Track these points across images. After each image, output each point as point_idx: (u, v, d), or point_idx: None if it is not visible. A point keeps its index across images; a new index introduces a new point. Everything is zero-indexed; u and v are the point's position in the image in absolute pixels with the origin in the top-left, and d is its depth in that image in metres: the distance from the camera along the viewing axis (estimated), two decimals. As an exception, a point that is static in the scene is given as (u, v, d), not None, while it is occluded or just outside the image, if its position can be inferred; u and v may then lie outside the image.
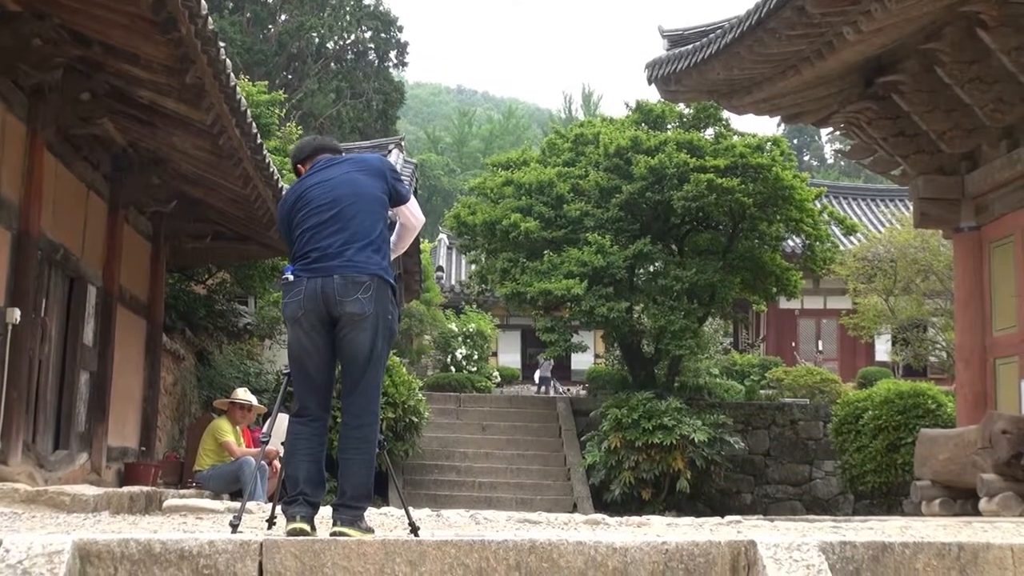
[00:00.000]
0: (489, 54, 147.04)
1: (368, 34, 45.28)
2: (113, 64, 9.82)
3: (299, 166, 5.56)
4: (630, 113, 23.05)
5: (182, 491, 11.06)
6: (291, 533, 4.66)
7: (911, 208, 15.77)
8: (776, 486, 20.95)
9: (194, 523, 6.39)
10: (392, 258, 5.37)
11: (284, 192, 5.72)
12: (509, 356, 34.96)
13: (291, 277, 5.13)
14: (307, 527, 4.76)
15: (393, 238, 5.46)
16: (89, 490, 8.23)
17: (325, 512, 5.19)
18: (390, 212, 5.40)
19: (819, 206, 21.98)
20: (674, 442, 17.81)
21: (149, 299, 14.32)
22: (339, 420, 5.09)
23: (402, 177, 5.59)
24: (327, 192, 5.22)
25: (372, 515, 7.79)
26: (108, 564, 3.90)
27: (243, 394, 12.58)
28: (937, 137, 13.05)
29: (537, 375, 31.58)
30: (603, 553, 4.26)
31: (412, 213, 5.52)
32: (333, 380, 5.20)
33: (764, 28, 11.81)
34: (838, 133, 17.21)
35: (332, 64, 43.90)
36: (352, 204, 5.18)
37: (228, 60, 9.34)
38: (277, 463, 8.45)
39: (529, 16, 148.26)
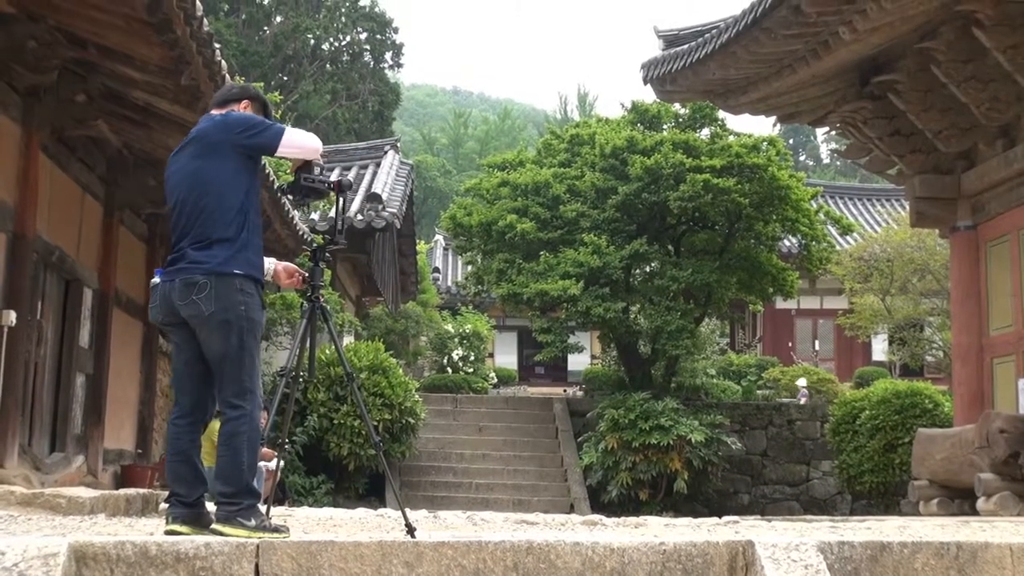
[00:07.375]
0: (485, 55, 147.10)
1: (363, 36, 45.31)
2: (108, 66, 9.81)
3: None
4: (626, 113, 23.04)
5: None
6: (167, 534, 4.68)
7: (907, 207, 15.79)
8: (773, 486, 20.94)
9: (190, 525, 6.37)
10: (303, 162, 5.18)
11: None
12: (506, 357, 34.89)
13: (157, 280, 5.02)
14: (180, 528, 4.76)
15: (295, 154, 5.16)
16: (85, 492, 8.19)
17: (335, 514, 5.17)
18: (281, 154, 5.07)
19: (815, 206, 21.97)
20: (671, 443, 17.81)
21: (145, 301, 14.28)
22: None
23: (261, 124, 5.00)
24: (171, 191, 5.05)
25: (370, 516, 7.78)
26: (104, 566, 3.88)
27: (239, 396, 12.55)
28: (933, 136, 13.06)
29: None
30: (600, 554, 4.25)
31: (295, 145, 5.06)
32: (202, 379, 5.00)
33: (760, 28, 11.83)
34: (834, 133, 17.20)
35: (328, 66, 43.91)
36: (194, 201, 4.91)
37: (223, 62, 9.33)
38: (272, 464, 8.45)
39: (525, 17, 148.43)
